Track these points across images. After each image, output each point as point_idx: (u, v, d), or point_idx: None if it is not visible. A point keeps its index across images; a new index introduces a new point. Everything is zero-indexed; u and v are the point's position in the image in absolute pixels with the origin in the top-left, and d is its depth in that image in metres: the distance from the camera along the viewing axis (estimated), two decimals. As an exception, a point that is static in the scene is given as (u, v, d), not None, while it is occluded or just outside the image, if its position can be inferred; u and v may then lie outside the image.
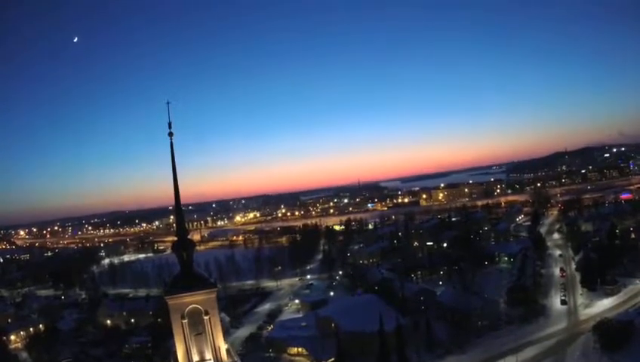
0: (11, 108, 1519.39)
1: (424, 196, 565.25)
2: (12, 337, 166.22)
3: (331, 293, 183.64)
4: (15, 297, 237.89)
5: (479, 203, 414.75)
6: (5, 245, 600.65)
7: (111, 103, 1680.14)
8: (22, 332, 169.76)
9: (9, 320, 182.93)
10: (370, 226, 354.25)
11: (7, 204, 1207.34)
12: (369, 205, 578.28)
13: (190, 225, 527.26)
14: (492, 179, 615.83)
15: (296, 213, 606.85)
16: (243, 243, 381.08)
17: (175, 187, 44.09)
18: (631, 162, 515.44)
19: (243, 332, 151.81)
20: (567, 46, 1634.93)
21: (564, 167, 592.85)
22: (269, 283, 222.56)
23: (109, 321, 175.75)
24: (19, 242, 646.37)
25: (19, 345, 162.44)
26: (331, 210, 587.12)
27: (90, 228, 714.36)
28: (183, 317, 40.42)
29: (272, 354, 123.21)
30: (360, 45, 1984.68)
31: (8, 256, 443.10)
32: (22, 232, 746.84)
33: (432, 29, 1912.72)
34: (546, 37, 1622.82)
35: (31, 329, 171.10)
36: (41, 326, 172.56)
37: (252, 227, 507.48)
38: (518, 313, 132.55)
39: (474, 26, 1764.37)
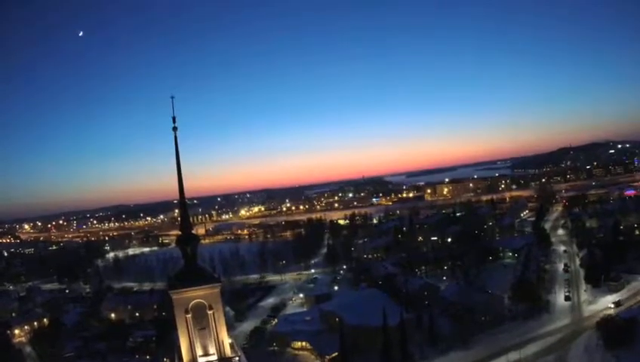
0: (15, 103, 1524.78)
1: (429, 191, 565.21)
2: (16, 331, 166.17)
3: (335, 288, 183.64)
4: (19, 291, 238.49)
5: (484, 198, 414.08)
6: (10, 239, 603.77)
7: (115, 98, 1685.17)
8: (26, 327, 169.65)
9: (13, 314, 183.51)
10: (375, 221, 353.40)
11: (12, 198, 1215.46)
12: (373, 199, 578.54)
13: (195, 218, 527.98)
14: (497, 174, 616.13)
15: (301, 208, 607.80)
16: (248, 237, 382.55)
17: (179, 181, 44.09)
18: (636, 159, 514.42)
19: (247, 326, 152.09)
20: (573, 43, 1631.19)
21: (569, 163, 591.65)
22: (274, 277, 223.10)
23: (113, 315, 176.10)
24: (23, 236, 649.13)
25: (23, 339, 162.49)
26: (336, 205, 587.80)
27: (94, 221, 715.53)
28: (187, 312, 40.46)
29: (276, 348, 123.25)
30: (365, 39, 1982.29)
31: (13, 250, 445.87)
32: (26, 226, 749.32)
33: (438, 22, 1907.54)
34: (553, 34, 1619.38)
35: (35, 323, 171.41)
36: (45, 320, 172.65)
37: (257, 221, 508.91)
38: (522, 309, 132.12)
39: (481, 22, 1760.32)
